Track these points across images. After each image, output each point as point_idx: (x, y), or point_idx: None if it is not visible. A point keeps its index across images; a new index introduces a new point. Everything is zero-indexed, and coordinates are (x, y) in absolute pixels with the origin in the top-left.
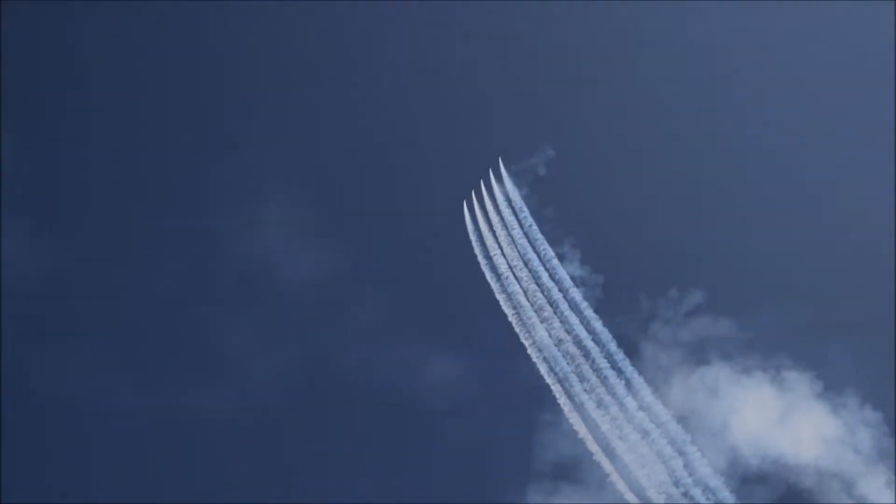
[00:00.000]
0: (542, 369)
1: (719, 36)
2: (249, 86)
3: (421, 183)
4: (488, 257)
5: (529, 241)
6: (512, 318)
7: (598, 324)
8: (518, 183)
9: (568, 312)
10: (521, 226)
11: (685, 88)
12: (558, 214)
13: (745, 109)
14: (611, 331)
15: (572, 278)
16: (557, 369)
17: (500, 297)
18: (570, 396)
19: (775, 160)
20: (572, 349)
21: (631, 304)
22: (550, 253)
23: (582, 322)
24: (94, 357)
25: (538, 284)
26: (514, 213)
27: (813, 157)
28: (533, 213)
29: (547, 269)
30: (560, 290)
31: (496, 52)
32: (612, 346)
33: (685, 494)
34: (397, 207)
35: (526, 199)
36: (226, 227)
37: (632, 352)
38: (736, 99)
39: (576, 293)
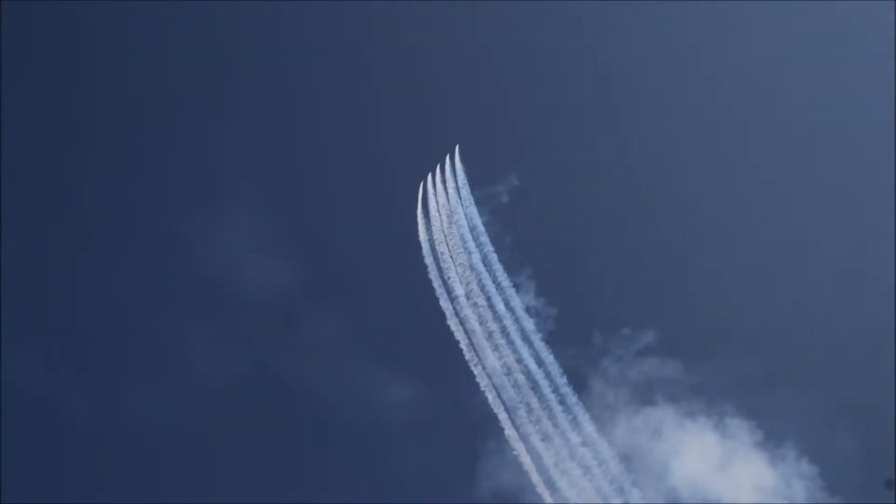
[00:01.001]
0: (490, 397)
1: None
2: (216, 94)
3: (382, 203)
4: (444, 281)
5: (487, 268)
6: (463, 345)
7: (548, 356)
8: (480, 209)
9: (519, 343)
10: (480, 252)
11: (655, 128)
12: (517, 244)
13: (725, 129)
14: (561, 364)
15: (527, 309)
16: (505, 398)
17: (452, 322)
18: (515, 426)
19: (745, 202)
20: (521, 379)
21: (583, 338)
22: (506, 281)
23: (532, 353)
24: (46, 356)
25: (492, 312)
26: (474, 239)
27: (799, 188)
28: (492, 241)
29: (502, 298)
30: (513, 319)
31: (467, 79)
32: (561, 380)
33: None
34: (358, 226)
35: (487, 225)
36: (187, 234)
37: (580, 386)
38: (713, 124)
39: (529, 324)
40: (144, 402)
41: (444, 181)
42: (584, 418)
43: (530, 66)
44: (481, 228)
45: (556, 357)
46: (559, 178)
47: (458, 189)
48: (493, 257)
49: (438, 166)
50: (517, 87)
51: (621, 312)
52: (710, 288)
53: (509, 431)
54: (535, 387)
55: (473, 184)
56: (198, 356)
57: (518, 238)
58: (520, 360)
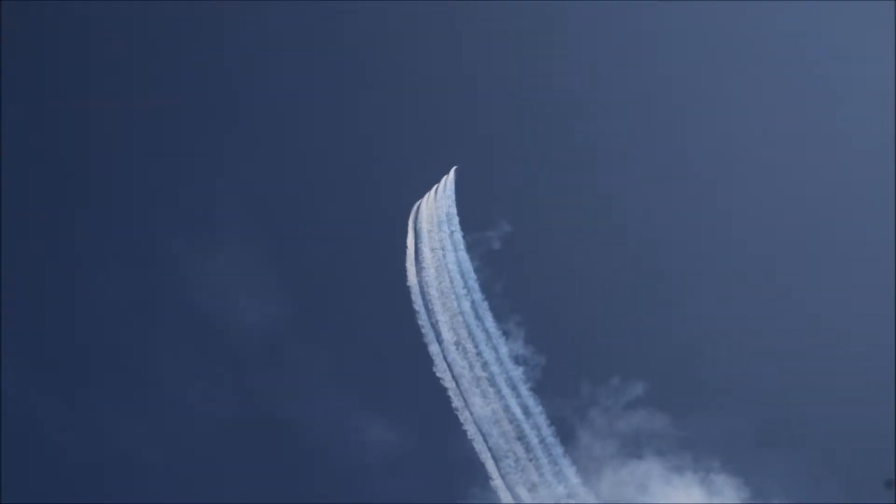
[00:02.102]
0: (477, 445)
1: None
2: (216, 128)
3: (376, 245)
4: (433, 326)
5: (476, 314)
6: (451, 391)
7: (536, 405)
8: (471, 254)
9: (507, 391)
10: (470, 298)
11: (648, 175)
12: (508, 290)
13: (721, 161)
14: (549, 413)
15: (515, 357)
16: (492, 446)
17: (440, 367)
18: (502, 475)
19: (738, 252)
20: (507, 428)
21: (572, 387)
22: (496, 329)
23: (520, 402)
24: (36, 385)
25: (480, 359)
26: (464, 284)
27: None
28: (483, 287)
29: (491, 345)
30: (501, 366)
31: (464, 124)
32: (548, 429)
33: None
34: (351, 266)
35: (477, 271)
36: (180, 267)
37: (568, 436)
38: (708, 150)
39: (517, 371)
40: (131, 433)
41: (436, 214)
42: (571, 470)
43: (524, 115)
44: (472, 274)
45: (544, 406)
46: (551, 225)
47: (450, 233)
48: (483, 304)
49: (434, 190)
50: (511, 135)
51: (611, 363)
52: (701, 341)
53: (496, 480)
54: (521, 436)
55: (465, 228)
56: (187, 388)
57: (508, 285)
58: (507, 409)
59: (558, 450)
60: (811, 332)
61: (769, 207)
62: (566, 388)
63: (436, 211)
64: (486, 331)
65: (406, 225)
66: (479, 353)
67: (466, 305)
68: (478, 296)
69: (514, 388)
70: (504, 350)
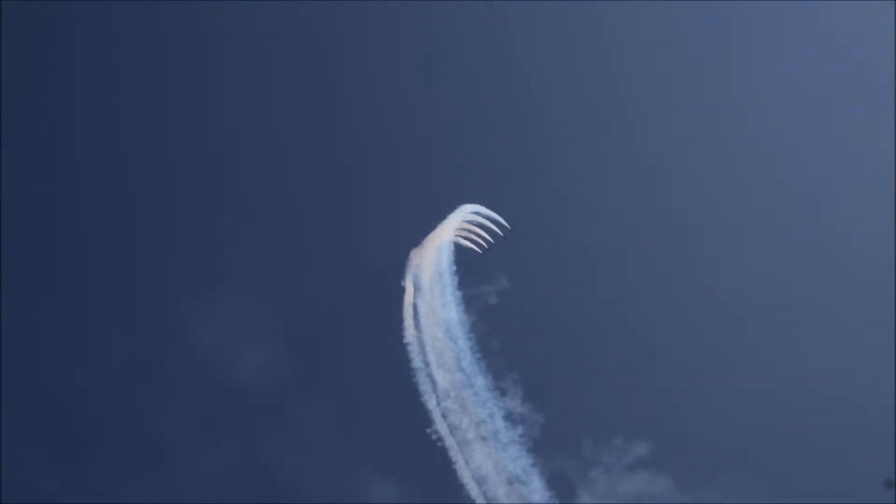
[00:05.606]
0: (478, 502)
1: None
2: (219, 181)
3: (374, 298)
4: (431, 382)
5: (473, 372)
6: (450, 448)
7: (535, 465)
8: (468, 310)
9: (505, 450)
10: (467, 355)
11: (649, 227)
12: (505, 347)
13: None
14: (548, 473)
15: (513, 415)
16: None
17: (439, 423)
18: None
19: (749, 297)
20: (506, 488)
21: (572, 447)
22: (492, 386)
23: (518, 461)
24: (23, 436)
25: (478, 417)
26: (461, 341)
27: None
28: (479, 343)
29: (488, 403)
30: (499, 424)
31: (461, 179)
32: (547, 492)
33: None
34: (349, 322)
35: (474, 327)
36: (181, 317)
37: (568, 498)
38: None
39: (514, 431)
40: (127, 491)
41: (434, 268)
42: None
43: (522, 170)
44: (469, 331)
45: (543, 466)
46: (551, 280)
47: (447, 289)
48: (480, 361)
49: (430, 236)
50: (508, 190)
51: (613, 422)
52: (710, 399)
53: None
54: (521, 497)
55: (462, 283)
56: (185, 443)
57: (506, 341)
58: (506, 468)
59: None
60: (830, 386)
61: (774, 238)
62: (566, 448)
63: (434, 266)
64: (483, 389)
65: (403, 275)
66: (476, 412)
67: (463, 363)
68: (475, 353)
69: (511, 448)
70: (501, 408)
